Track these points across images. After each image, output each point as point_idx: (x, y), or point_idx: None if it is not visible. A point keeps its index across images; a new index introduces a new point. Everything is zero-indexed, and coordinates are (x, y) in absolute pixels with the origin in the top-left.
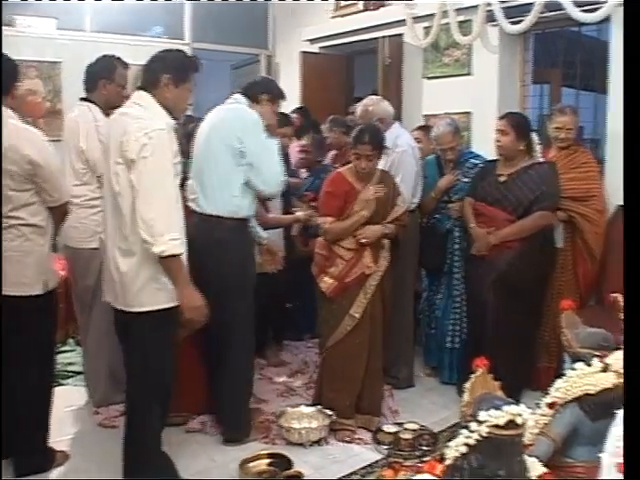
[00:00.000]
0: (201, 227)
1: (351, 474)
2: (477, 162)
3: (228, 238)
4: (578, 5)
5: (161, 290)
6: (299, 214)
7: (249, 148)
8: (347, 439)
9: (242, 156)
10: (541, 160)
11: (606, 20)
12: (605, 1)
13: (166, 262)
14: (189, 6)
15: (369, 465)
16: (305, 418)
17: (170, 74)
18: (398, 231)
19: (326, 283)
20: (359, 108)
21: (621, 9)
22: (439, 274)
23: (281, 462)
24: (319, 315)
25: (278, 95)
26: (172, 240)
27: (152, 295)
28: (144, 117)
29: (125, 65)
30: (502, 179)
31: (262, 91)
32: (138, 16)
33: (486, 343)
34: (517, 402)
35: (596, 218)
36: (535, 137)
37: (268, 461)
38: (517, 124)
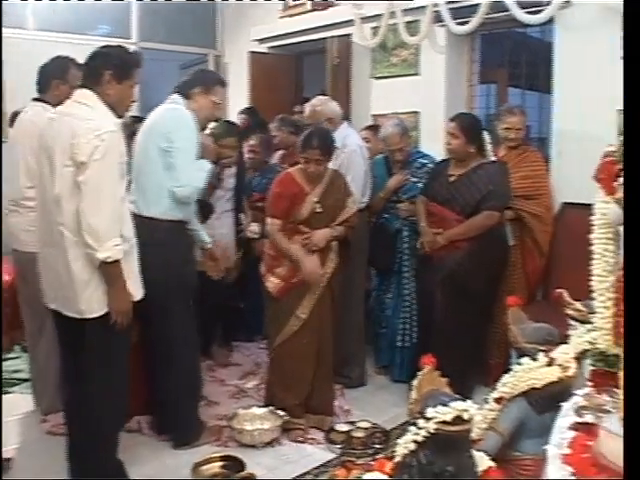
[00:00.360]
0: (139, 229)
1: (304, 474)
2: (425, 162)
3: (165, 240)
4: (523, 7)
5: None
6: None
7: (173, 147)
8: (299, 439)
9: (170, 156)
10: (492, 160)
11: (550, 22)
12: (549, 3)
13: (108, 267)
14: (136, 5)
15: (322, 465)
16: (257, 419)
17: (112, 70)
18: (347, 233)
19: (272, 283)
20: (307, 108)
21: (564, 11)
22: (389, 273)
23: (234, 464)
24: (266, 315)
25: (212, 83)
26: (116, 246)
27: (103, 299)
28: (93, 118)
29: (79, 66)
30: (452, 179)
31: (194, 85)
32: (84, 15)
33: (436, 341)
34: (467, 398)
35: (545, 216)
36: (487, 137)
37: (221, 464)
38: (467, 127)
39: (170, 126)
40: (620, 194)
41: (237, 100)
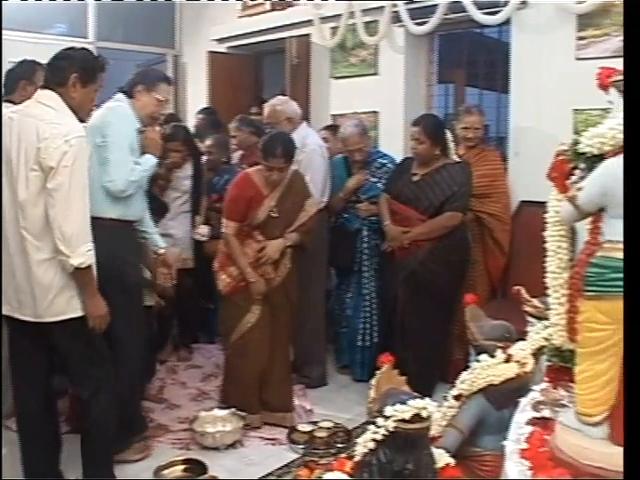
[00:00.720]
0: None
1: (267, 475)
2: (385, 162)
3: (99, 239)
4: (480, 8)
5: (74, 298)
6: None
7: (107, 142)
8: (258, 437)
9: (104, 151)
10: (455, 160)
11: (507, 22)
12: (505, 4)
13: (80, 273)
14: (93, 4)
15: (285, 465)
16: (219, 421)
17: (78, 73)
18: (303, 239)
19: (223, 281)
20: (267, 108)
21: (521, 12)
22: (349, 273)
23: (196, 467)
24: (219, 314)
25: (155, 80)
26: (88, 251)
27: (66, 303)
28: (61, 122)
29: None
30: (415, 179)
31: (136, 83)
32: (40, 13)
33: (399, 340)
34: (430, 396)
35: (504, 215)
36: (449, 136)
37: (183, 467)
38: (432, 131)
39: (105, 122)
40: (572, 192)
41: (196, 100)
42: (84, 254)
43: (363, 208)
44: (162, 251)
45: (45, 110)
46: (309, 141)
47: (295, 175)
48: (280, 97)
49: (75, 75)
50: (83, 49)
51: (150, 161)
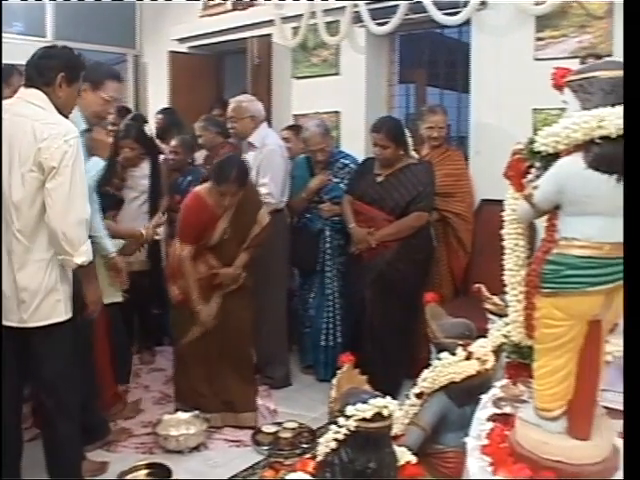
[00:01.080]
0: None
1: (232, 477)
2: (347, 162)
3: None
4: (440, 8)
5: (60, 302)
6: (142, 230)
7: None
8: (223, 439)
9: None
10: (417, 160)
11: (467, 23)
12: (465, 5)
13: (84, 269)
14: (52, 3)
15: (250, 467)
16: (182, 425)
17: (64, 72)
18: (255, 251)
19: (174, 292)
20: (232, 103)
21: (480, 13)
22: (312, 273)
23: (160, 471)
24: (170, 318)
25: (101, 78)
26: (87, 249)
27: (52, 308)
28: (56, 122)
29: (20, 73)
30: (379, 179)
31: (83, 81)
32: None
33: (367, 340)
34: (398, 394)
35: (468, 215)
36: (408, 134)
37: (147, 471)
38: (395, 135)
39: None
40: (528, 190)
41: (157, 100)
42: (85, 252)
43: (326, 209)
44: (113, 255)
45: (34, 109)
46: (269, 141)
47: (247, 191)
48: (247, 95)
49: (62, 74)
50: (66, 48)
51: (97, 165)
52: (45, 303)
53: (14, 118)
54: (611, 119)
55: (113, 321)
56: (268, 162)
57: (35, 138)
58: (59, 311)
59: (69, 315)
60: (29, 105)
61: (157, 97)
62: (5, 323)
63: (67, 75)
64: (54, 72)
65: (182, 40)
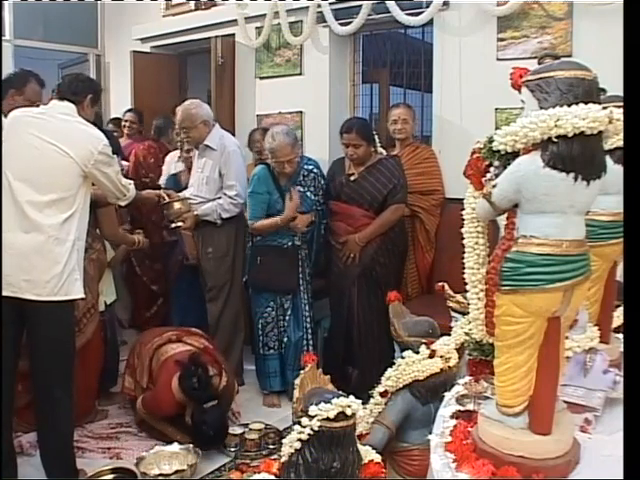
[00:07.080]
0: None
1: (199, 479)
2: (311, 168)
3: None
4: (403, 9)
5: (78, 280)
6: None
7: None
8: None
9: None
10: (386, 155)
11: (429, 23)
12: (428, 6)
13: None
14: (11, 1)
15: (217, 469)
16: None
17: (92, 95)
18: None
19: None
20: (181, 113)
21: (443, 14)
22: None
23: (125, 475)
24: None
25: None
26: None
27: (72, 284)
28: (94, 130)
29: (41, 83)
30: (353, 177)
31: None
32: None
33: (354, 337)
34: None
35: (437, 211)
36: (374, 132)
37: (112, 476)
38: (366, 134)
39: None
40: (487, 189)
41: (119, 100)
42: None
43: (299, 224)
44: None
45: (78, 118)
46: (227, 142)
47: None
48: (192, 100)
49: (90, 96)
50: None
51: None
52: (69, 279)
53: (62, 123)
54: (568, 118)
55: (108, 320)
56: (231, 162)
57: (90, 141)
58: (77, 289)
59: (82, 295)
60: (72, 114)
61: (119, 97)
62: (18, 295)
63: (93, 98)
64: (85, 93)
65: (145, 40)
